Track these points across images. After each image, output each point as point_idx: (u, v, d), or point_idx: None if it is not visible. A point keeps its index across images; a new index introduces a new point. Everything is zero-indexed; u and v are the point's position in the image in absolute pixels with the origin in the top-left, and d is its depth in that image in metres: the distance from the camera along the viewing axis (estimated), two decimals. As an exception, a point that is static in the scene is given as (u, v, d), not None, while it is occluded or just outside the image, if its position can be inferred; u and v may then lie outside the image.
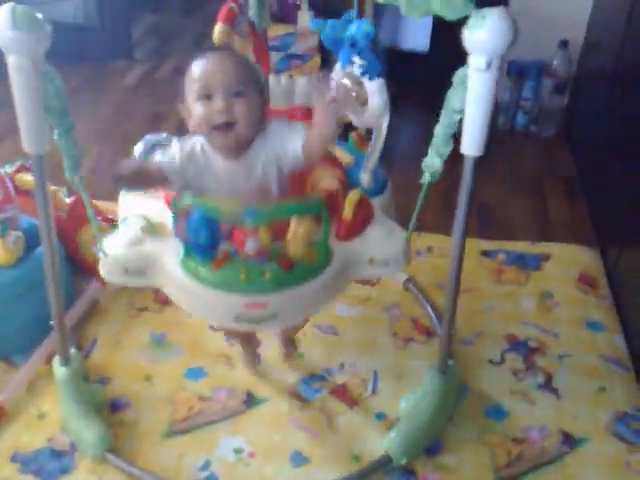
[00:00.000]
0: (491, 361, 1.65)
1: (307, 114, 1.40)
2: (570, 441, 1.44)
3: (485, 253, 2.02)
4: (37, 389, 1.51)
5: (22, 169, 1.80)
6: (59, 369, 1.41)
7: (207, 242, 1.09)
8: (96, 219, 1.31)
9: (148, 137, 1.42)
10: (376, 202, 1.36)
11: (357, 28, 1.30)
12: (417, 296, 1.82)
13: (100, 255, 1.22)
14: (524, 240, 2.08)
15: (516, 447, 1.43)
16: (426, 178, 1.27)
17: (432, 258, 1.98)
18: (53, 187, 1.80)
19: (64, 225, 1.74)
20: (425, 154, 1.21)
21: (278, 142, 1.18)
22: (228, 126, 1.14)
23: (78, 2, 3.09)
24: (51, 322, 1.36)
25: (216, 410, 1.48)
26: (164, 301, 1.75)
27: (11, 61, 1.03)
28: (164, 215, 1.24)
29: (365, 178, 1.42)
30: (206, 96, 1.13)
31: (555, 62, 2.63)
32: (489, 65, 1.03)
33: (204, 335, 1.66)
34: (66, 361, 1.40)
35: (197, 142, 1.20)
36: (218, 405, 1.49)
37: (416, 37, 2.97)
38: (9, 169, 1.81)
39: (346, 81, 1.43)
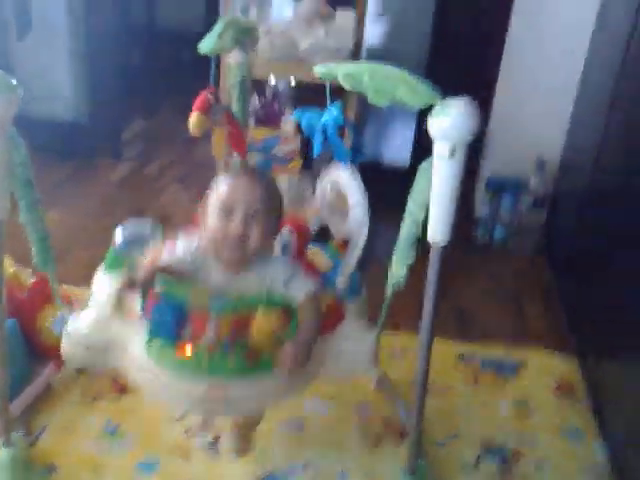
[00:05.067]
0: (465, 466, 1.55)
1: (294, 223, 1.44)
2: None
3: (462, 357, 1.97)
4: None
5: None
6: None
7: (171, 324, 1.09)
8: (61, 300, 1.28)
9: (129, 225, 1.43)
10: (350, 305, 1.37)
11: (327, 115, 1.33)
12: (390, 395, 1.75)
13: (63, 332, 1.20)
14: (501, 346, 2.04)
15: None
16: (389, 290, 1.26)
17: (407, 359, 1.92)
18: (15, 268, 1.76)
19: (24, 305, 1.68)
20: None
21: (277, 279, 1.21)
22: (241, 242, 1.16)
23: (70, 99, 3.16)
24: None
25: (166, 506, 1.37)
26: (121, 389, 1.67)
27: None
28: (134, 300, 1.20)
29: (341, 281, 1.42)
30: (226, 212, 1.16)
31: (533, 180, 2.69)
32: (453, 152, 1.04)
33: (161, 426, 1.57)
34: (7, 442, 1.30)
35: (201, 244, 1.22)
36: (169, 501, 1.38)
37: (398, 152, 3.06)
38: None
39: (331, 193, 1.47)
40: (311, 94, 2.66)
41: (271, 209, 1.20)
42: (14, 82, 1.04)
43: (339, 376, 1.32)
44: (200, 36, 1.37)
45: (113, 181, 3.08)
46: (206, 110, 1.35)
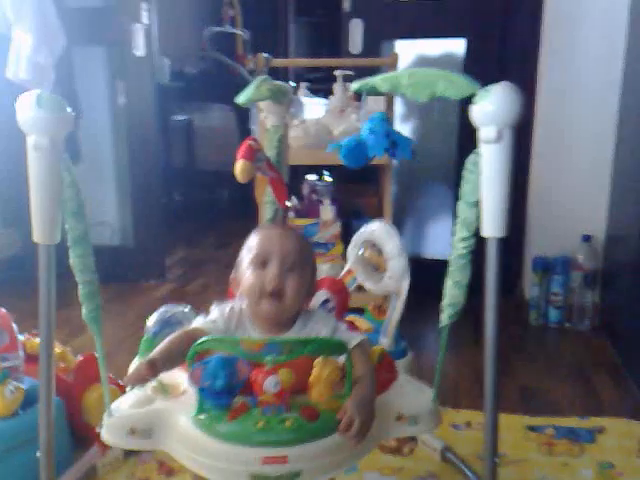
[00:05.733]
0: (552, 532, 1.38)
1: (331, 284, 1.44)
2: None
3: (532, 428, 1.81)
4: None
5: (33, 335, 1.75)
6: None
7: (223, 387, 1.00)
8: (106, 368, 1.22)
9: (164, 309, 1.40)
10: (399, 364, 1.29)
11: (370, 121, 1.32)
12: (457, 465, 1.60)
13: (105, 417, 1.11)
14: (573, 417, 1.88)
15: None
16: (444, 320, 1.18)
17: (471, 432, 1.78)
18: (61, 347, 1.75)
19: (69, 387, 1.64)
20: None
21: (322, 333, 1.15)
22: (278, 295, 1.12)
23: (115, 226, 3.31)
24: (37, 454, 1.20)
25: None
26: (168, 472, 1.57)
27: (31, 141, 1.04)
28: (177, 377, 1.15)
29: (386, 342, 1.37)
30: (261, 264, 1.13)
31: (580, 256, 2.62)
32: (500, 135, 1.02)
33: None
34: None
35: (235, 306, 1.18)
36: None
37: (438, 244, 3.04)
38: (21, 337, 1.77)
39: (365, 251, 1.46)
40: (347, 186, 2.74)
41: (306, 262, 1.17)
42: (65, 104, 1.06)
43: (400, 436, 1.19)
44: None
45: (157, 298, 3.11)
46: (251, 157, 1.36)
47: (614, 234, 2.58)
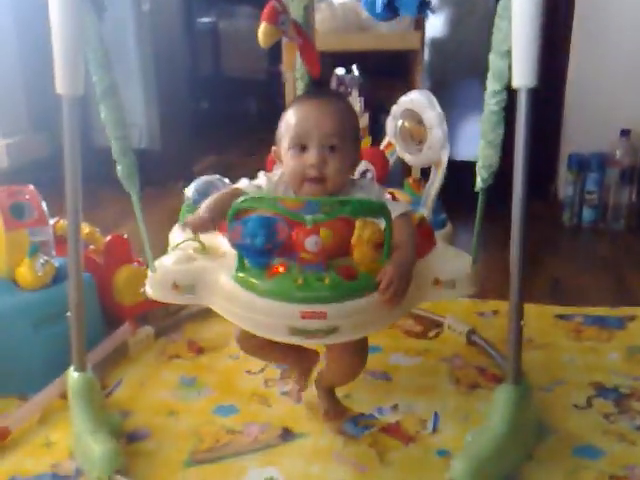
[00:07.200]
0: (576, 406, 1.38)
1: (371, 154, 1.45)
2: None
3: (561, 317, 1.80)
4: (49, 421, 1.34)
5: (61, 219, 1.77)
6: (73, 375, 1.24)
7: (263, 246, 0.99)
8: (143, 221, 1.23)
9: (200, 179, 1.40)
10: (438, 235, 1.27)
11: None
12: (483, 347, 1.60)
13: (149, 273, 1.14)
14: (603, 307, 1.86)
15: (617, 485, 1.14)
16: (479, 183, 1.15)
17: (498, 319, 1.77)
18: (88, 226, 1.76)
19: (100, 266, 1.66)
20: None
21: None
22: (319, 180, 1.10)
23: (143, 130, 3.28)
24: (67, 314, 1.22)
25: (246, 443, 1.26)
26: (198, 350, 1.60)
27: None
28: (217, 240, 1.17)
29: (425, 212, 1.33)
30: (300, 146, 1.10)
31: (618, 152, 2.54)
32: None
33: (239, 377, 1.48)
34: (81, 367, 1.24)
35: (283, 175, 1.17)
36: (249, 438, 1.27)
37: (471, 146, 2.97)
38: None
39: (405, 122, 1.41)
40: (376, 80, 2.66)
41: (349, 136, 1.12)
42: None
43: (437, 299, 1.19)
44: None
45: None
46: (274, 20, 1.30)
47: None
